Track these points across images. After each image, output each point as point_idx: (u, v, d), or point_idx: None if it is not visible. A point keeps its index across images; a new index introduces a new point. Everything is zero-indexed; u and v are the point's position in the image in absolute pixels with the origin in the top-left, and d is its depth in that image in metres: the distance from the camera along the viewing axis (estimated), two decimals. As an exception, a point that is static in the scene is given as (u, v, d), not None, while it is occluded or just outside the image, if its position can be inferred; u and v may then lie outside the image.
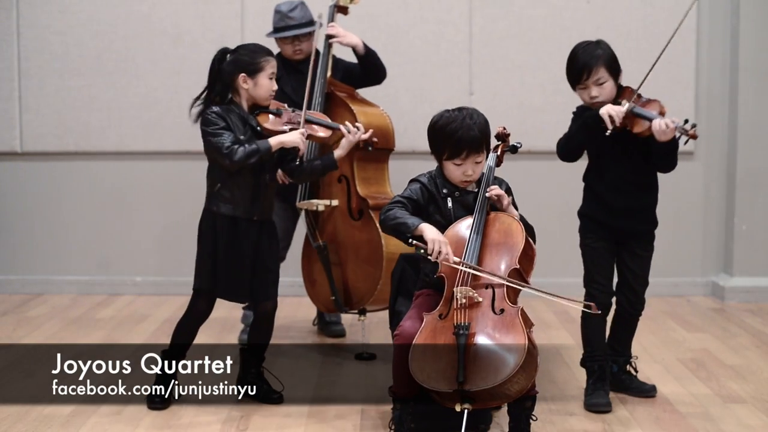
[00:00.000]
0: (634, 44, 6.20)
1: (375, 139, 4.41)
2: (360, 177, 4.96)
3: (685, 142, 4.01)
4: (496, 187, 3.75)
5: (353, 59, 5.20)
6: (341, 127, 4.32)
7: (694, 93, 6.34)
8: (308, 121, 4.26)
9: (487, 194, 3.70)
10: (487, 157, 3.78)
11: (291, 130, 4.17)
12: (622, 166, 4.13)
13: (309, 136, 4.24)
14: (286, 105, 4.30)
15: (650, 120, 3.98)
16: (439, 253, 3.55)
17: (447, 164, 3.72)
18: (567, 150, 4.18)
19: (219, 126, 4.03)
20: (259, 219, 4.15)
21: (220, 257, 4.11)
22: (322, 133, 4.32)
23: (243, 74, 4.10)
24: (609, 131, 3.97)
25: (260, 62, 4.11)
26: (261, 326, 4.25)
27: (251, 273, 4.14)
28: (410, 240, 3.60)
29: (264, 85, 4.12)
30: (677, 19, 6.33)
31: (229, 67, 4.12)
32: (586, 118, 4.08)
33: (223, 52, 4.18)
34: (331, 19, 5.14)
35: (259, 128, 4.13)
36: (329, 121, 4.40)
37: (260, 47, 4.18)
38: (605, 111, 3.99)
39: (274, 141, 4.08)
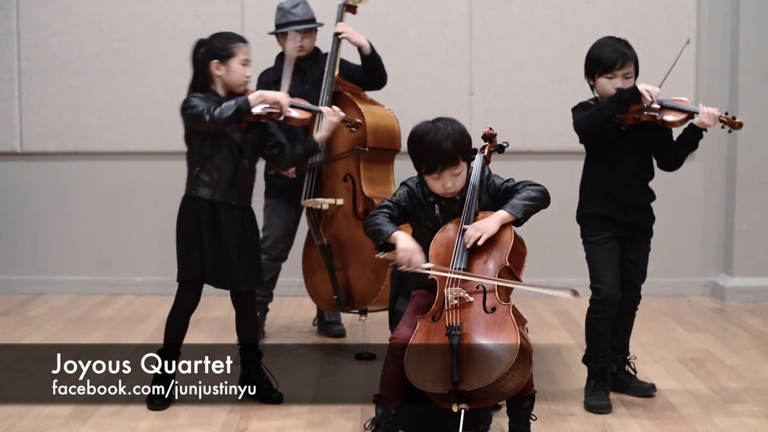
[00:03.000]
0: (634, 44, 6.12)
1: (358, 120, 4.39)
2: (366, 177, 4.96)
3: (729, 131, 4.14)
4: (474, 227, 3.63)
5: (356, 61, 5.20)
6: (322, 109, 4.30)
7: (694, 93, 6.33)
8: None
9: (468, 246, 3.63)
10: (468, 167, 3.74)
11: (268, 114, 4.14)
12: (631, 162, 4.16)
13: (288, 118, 4.22)
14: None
15: (685, 111, 4.07)
16: (409, 262, 3.55)
17: (427, 178, 3.70)
18: (594, 120, 4.09)
19: (196, 101, 4.06)
20: (238, 204, 4.16)
21: (204, 243, 4.12)
22: (300, 114, 4.28)
23: (215, 61, 4.12)
24: (649, 103, 4.01)
25: (231, 47, 4.12)
26: (244, 319, 4.24)
27: (234, 258, 4.14)
28: (378, 254, 3.63)
29: (236, 70, 4.12)
30: (677, 18, 6.37)
31: (203, 55, 4.14)
32: (621, 91, 4.07)
33: (199, 43, 4.19)
34: (340, 18, 5.14)
35: None
36: (309, 104, 4.35)
37: (233, 34, 4.20)
38: (643, 86, 4.03)
39: (253, 95, 4.06)
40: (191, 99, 4.09)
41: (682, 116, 4.08)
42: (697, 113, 4.07)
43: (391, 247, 3.63)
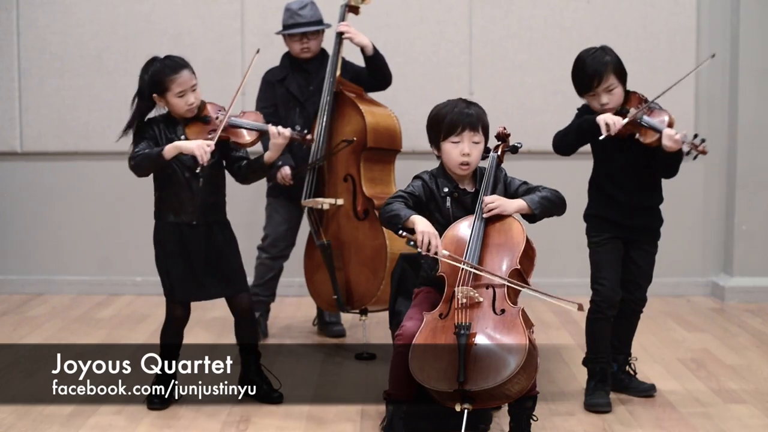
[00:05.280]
0: (634, 44, 6.20)
1: (309, 137, 4.28)
2: (366, 177, 4.96)
3: (694, 158, 4.00)
4: (494, 199, 3.70)
5: (361, 62, 5.20)
6: (269, 128, 4.16)
7: (694, 93, 6.34)
8: (232, 126, 4.16)
9: (484, 215, 3.68)
10: (485, 145, 3.79)
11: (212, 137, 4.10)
12: (631, 167, 4.14)
13: (233, 143, 4.16)
14: (222, 109, 4.20)
15: (658, 131, 3.99)
16: (429, 245, 3.55)
17: (445, 146, 3.73)
18: (561, 144, 4.19)
19: (141, 136, 4.09)
20: (200, 223, 4.15)
21: (170, 263, 4.12)
22: (247, 136, 4.18)
23: (154, 94, 4.10)
24: (603, 137, 3.97)
25: (165, 82, 4.07)
26: (242, 323, 4.24)
27: (210, 269, 4.15)
28: (400, 231, 3.61)
29: (175, 103, 4.09)
30: (677, 18, 6.37)
31: (145, 83, 4.11)
32: (582, 121, 4.10)
33: (145, 65, 4.15)
34: (343, 18, 5.15)
35: (184, 137, 4.11)
36: (258, 123, 4.21)
37: (170, 64, 4.10)
38: (602, 118, 3.99)
39: (169, 147, 4.02)
40: (142, 128, 4.09)
41: (656, 136, 3.99)
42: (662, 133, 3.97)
43: (410, 232, 3.62)
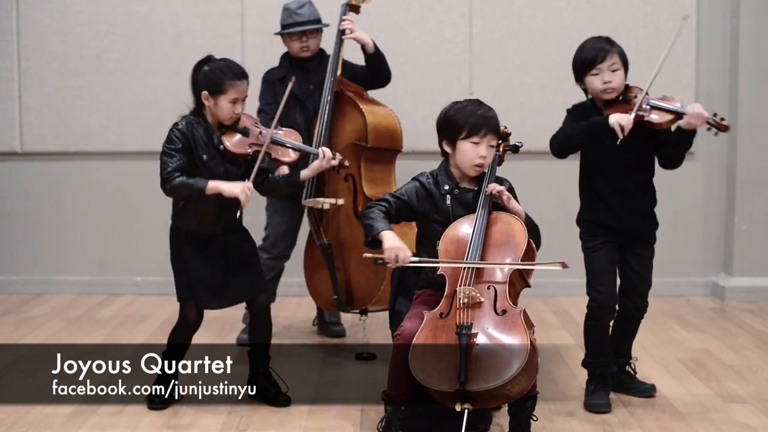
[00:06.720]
0: (634, 44, 6.18)
1: (346, 163, 4.33)
2: (367, 177, 4.96)
3: (716, 134, 4.09)
4: (495, 183, 3.74)
5: (360, 61, 5.20)
6: (319, 151, 4.22)
7: (694, 93, 6.33)
8: (275, 143, 4.15)
9: (486, 191, 3.70)
10: (496, 150, 3.80)
11: (254, 152, 4.06)
12: (629, 169, 4.12)
13: (274, 160, 4.16)
14: (258, 121, 4.21)
15: (673, 112, 4.01)
16: (397, 259, 3.59)
17: (463, 145, 3.72)
18: (564, 148, 4.14)
19: (175, 147, 3.98)
20: (222, 233, 4.14)
21: (192, 271, 4.09)
22: (289, 156, 4.19)
23: (205, 91, 4.03)
24: (620, 140, 3.96)
25: (224, 85, 4.00)
26: (258, 323, 4.24)
27: (232, 275, 4.13)
28: (366, 254, 3.66)
29: (224, 107, 4.02)
30: (677, 19, 6.37)
31: (199, 79, 4.06)
32: (593, 124, 4.03)
33: (201, 62, 4.11)
34: (343, 17, 5.15)
35: (222, 147, 4.06)
36: (300, 144, 4.24)
37: (232, 68, 4.04)
38: (615, 121, 3.95)
39: (211, 185, 3.96)
40: (174, 139, 3.98)
41: (670, 117, 4.02)
42: (685, 114, 4.01)
43: (379, 244, 3.65)
